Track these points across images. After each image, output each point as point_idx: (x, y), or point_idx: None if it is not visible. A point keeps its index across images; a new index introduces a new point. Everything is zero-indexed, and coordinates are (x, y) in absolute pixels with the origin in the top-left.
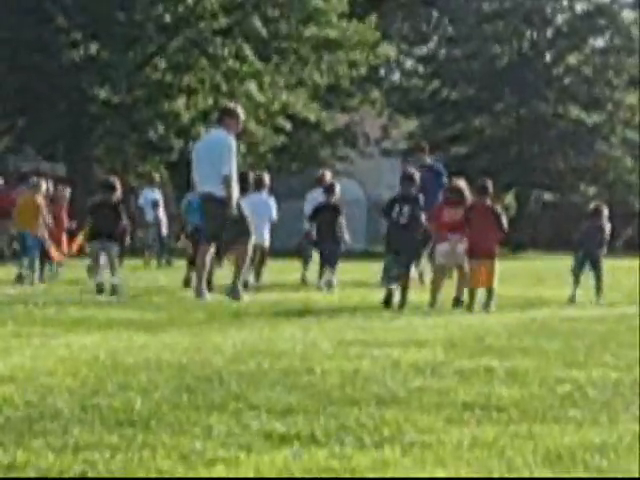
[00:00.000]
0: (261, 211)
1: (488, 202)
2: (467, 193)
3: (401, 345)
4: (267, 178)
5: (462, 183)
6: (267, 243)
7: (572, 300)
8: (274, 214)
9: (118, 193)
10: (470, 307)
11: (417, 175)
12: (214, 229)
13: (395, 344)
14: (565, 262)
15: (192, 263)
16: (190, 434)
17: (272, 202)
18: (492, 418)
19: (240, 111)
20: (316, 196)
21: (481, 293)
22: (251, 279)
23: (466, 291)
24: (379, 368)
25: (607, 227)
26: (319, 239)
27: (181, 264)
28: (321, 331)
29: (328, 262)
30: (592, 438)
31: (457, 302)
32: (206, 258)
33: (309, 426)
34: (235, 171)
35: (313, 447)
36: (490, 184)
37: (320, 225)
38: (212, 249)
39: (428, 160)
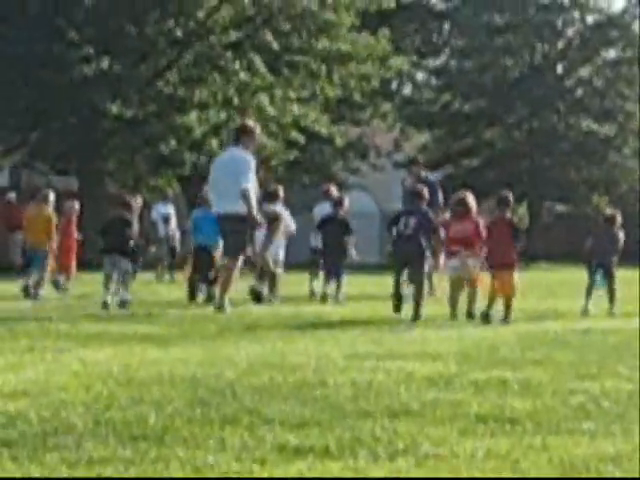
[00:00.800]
0: None
1: (508, 215)
2: (473, 205)
3: (414, 357)
4: (281, 191)
5: (469, 195)
6: (280, 257)
7: (585, 313)
8: (292, 226)
9: (133, 211)
10: (488, 314)
11: (425, 191)
12: (235, 245)
13: (408, 356)
14: (578, 274)
15: (192, 279)
16: (204, 448)
17: (287, 215)
18: (506, 430)
19: (256, 128)
20: (323, 209)
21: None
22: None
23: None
24: (392, 381)
25: (621, 235)
26: (324, 250)
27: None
28: (334, 344)
29: (333, 275)
30: (606, 449)
31: (470, 315)
32: (233, 274)
33: (323, 439)
34: (254, 188)
35: (327, 460)
36: (511, 196)
37: (326, 237)
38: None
39: (423, 174)
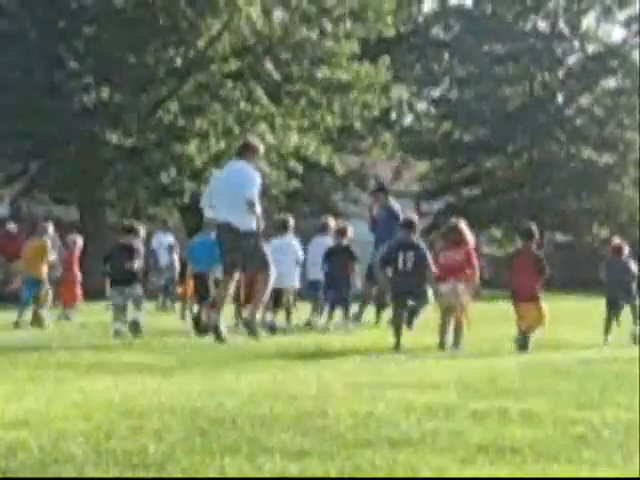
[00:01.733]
0: (289, 254)
1: (533, 248)
2: (468, 234)
3: (415, 387)
4: (292, 221)
5: (462, 223)
6: (297, 285)
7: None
8: (301, 255)
9: (139, 237)
10: (524, 346)
11: (416, 220)
12: (232, 260)
13: (409, 386)
14: (579, 303)
15: (199, 303)
16: (204, 477)
17: (297, 244)
18: (506, 459)
19: (260, 147)
20: (321, 241)
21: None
22: (270, 319)
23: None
24: (393, 410)
25: (632, 267)
26: (330, 282)
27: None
28: (335, 373)
29: (341, 305)
30: (606, 479)
31: (456, 345)
32: (226, 290)
33: (323, 468)
34: (258, 200)
35: None
36: (535, 228)
37: (331, 268)
38: (234, 279)
39: (389, 202)
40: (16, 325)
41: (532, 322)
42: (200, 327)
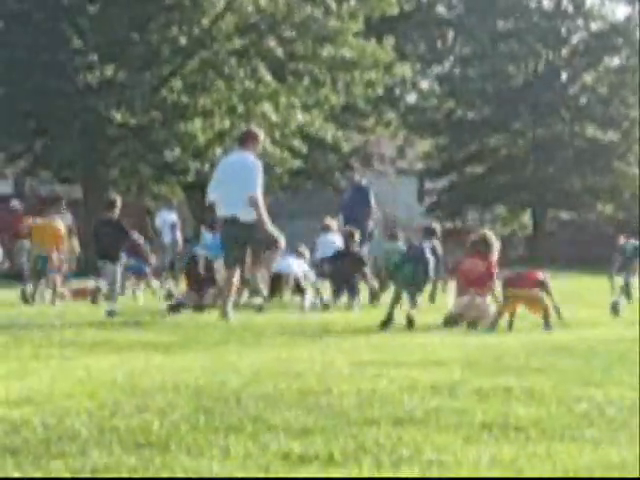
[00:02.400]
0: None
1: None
2: (496, 246)
3: (418, 365)
4: None
5: (491, 235)
6: (306, 270)
7: (615, 308)
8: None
9: (117, 210)
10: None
11: (437, 229)
12: (237, 254)
13: (412, 364)
14: (582, 281)
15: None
16: (208, 455)
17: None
18: (510, 437)
19: (261, 134)
20: (326, 239)
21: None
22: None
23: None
24: (396, 388)
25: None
26: (334, 286)
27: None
28: (338, 351)
29: (350, 291)
30: (610, 457)
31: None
32: (232, 281)
33: (327, 446)
34: (261, 193)
35: (331, 468)
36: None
37: (335, 273)
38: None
39: (357, 178)
40: (24, 295)
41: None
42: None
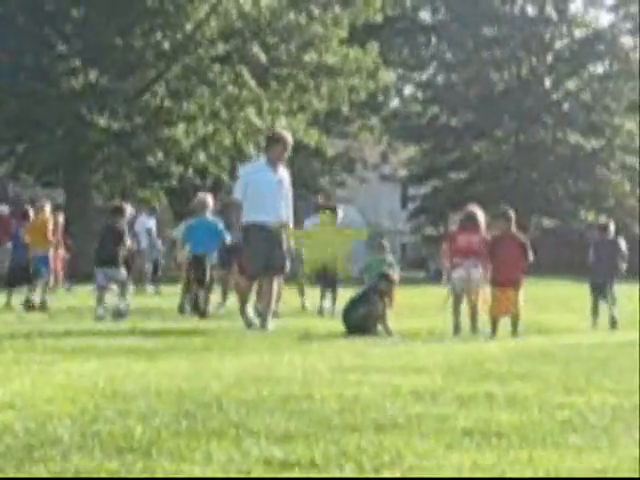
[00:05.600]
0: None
1: (513, 230)
2: (482, 221)
3: (400, 371)
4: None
5: (478, 210)
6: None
7: (613, 323)
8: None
9: (125, 217)
10: (493, 334)
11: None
12: (259, 266)
13: (394, 370)
14: (565, 288)
15: (187, 289)
16: (190, 460)
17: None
18: (492, 444)
19: (288, 137)
20: (314, 222)
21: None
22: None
23: (481, 319)
24: (378, 394)
25: (622, 245)
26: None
27: (175, 290)
28: (320, 357)
29: (331, 288)
30: (592, 463)
31: (474, 330)
32: (247, 290)
33: (309, 452)
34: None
35: (313, 473)
36: (512, 211)
37: (322, 276)
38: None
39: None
40: (26, 303)
41: (506, 309)
42: (199, 310)
